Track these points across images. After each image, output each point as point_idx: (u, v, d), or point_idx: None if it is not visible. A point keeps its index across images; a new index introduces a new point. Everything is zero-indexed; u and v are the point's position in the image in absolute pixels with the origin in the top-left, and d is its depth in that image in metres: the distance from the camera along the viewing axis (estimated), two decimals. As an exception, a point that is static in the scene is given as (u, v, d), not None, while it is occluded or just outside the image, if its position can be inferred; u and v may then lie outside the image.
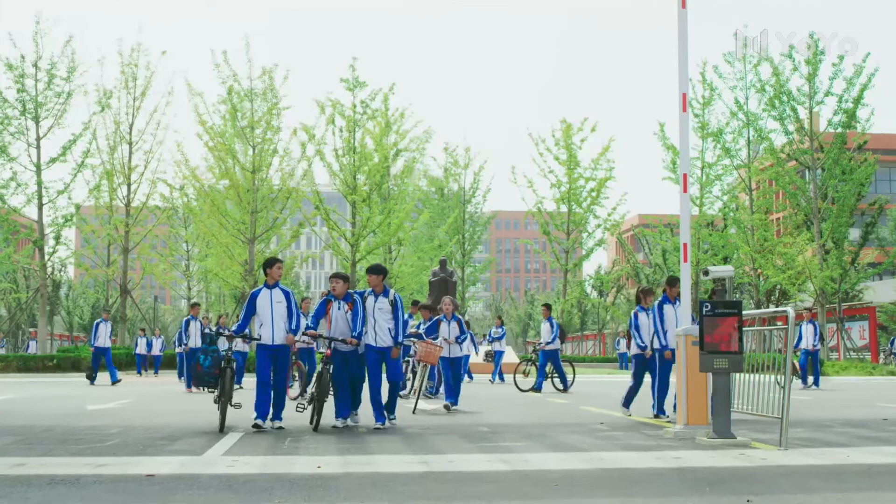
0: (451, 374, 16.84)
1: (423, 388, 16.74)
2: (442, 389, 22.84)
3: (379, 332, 12.81)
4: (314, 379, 13.10)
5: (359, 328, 12.73)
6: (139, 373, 37.13)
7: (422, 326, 18.46)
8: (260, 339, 12.42)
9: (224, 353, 12.53)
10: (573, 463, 9.16)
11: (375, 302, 12.89)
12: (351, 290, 13.13)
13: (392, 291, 13.02)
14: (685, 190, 12.21)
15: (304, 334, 12.83)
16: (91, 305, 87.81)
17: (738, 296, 64.73)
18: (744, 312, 11.35)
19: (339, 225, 45.56)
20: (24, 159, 41.05)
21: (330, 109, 43.99)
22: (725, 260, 48.93)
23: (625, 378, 34.77)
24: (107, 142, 43.37)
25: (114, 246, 47.03)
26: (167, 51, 44.05)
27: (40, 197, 40.91)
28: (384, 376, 13.11)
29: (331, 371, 12.78)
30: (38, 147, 40.73)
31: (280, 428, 12.42)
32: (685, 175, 12.25)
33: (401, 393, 16.43)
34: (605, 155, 52.98)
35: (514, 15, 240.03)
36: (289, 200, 42.61)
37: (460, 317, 17.29)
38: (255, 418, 12.32)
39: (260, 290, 12.81)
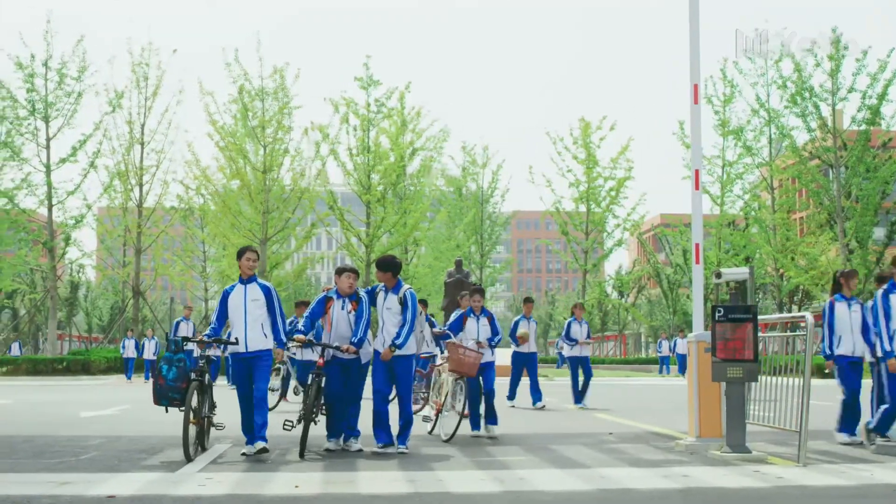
0: (478, 389, 12.95)
1: (462, 408, 12.36)
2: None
3: (387, 336, 10.79)
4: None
5: (360, 333, 10.69)
6: (128, 377, 33.45)
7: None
8: (236, 344, 10.32)
9: (199, 360, 10.37)
10: (572, 482, 8.47)
11: (385, 300, 10.94)
12: (359, 287, 11.20)
13: (404, 288, 10.95)
14: (697, 187, 11.51)
15: (291, 340, 10.86)
16: (110, 307, 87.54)
17: (759, 297, 63.78)
18: (759, 317, 10.64)
19: (354, 225, 44.96)
20: (34, 160, 40.66)
21: (344, 108, 43.37)
22: (747, 260, 48.01)
23: (657, 382, 33.79)
24: (118, 142, 42.94)
25: (128, 247, 46.65)
26: (177, 49, 43.14)
27: (50, 198, 40.43)
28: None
29: (322, 384, 10.69)
30: (47, 147, 40.25)
31: (263, 450, 10.12)
32: (697, 171, 11.55)
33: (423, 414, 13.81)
34: (624, 154, 52.13)
35: (531, 12, 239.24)
36: (301, 200, 41.99)
37: (491, 312, 13.80)
38: (247, 442, 10.37)
39: (233, 286, 10.62)
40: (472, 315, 13.50)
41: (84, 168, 40.65)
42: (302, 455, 10.18)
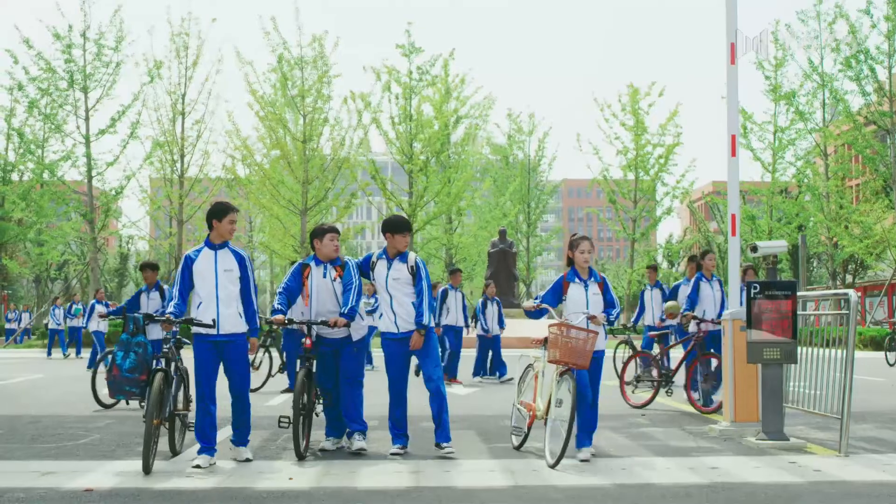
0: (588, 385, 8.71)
1: (572, 416, 8.21)
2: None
3: (399, 311, 8.80)
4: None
5: (351, 302, 8.72)
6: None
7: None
8: (213, 327, 8.22)
9: (168, 344, 8.43)
10: (588, 475, 7.80)
11: (389, 270, 8.90)
12: (342, 255, 9.19)
13: (413, 255, 8.96)
14: (733, 153, 10.71)
15: (267, 322, 9.14)
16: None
17: (813, 266, 62.35)
18: (799, 293, 9.87)
19: (397, 195, 44.42)
20: (75, 133, 40.59)
21: (385, 76, 42.81)
22: (800, 228, 46.83)
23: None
24: (158, 113, 42.59)
25: (173, 217, 46.59)
26: (216, 18, 42.62)
27: (90, 169, 40.40)
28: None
29: (312, 370, 8.82)
30: (86, 119, 40.16)
31: (247, 459, 8.44)
32: (733, 136, 10.75)
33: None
34: (673, 120, 51.01)
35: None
36: (341, 170, 41.51)
37: (604, 276, 9.06)
38: (199, 451, 8.29)
39: (200, 249, 8.50)
40: (576, 279, 8.83)
41: (123, 139, 40.50)
42: (300, 456, 8.43)
